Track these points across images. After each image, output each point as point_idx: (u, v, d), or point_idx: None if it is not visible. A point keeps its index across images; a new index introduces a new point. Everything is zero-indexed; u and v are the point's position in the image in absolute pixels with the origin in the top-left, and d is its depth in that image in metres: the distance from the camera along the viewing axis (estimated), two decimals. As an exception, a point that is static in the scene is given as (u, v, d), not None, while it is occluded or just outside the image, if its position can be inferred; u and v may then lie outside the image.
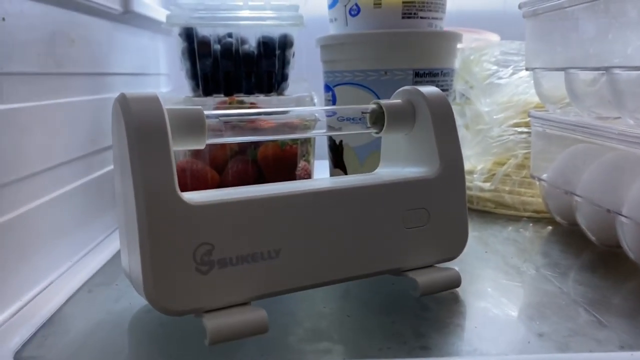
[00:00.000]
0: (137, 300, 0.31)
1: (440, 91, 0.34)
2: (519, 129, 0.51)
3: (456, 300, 0.32)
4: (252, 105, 0.50)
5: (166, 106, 0.27)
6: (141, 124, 0.26)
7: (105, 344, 0.28)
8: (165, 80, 0.67)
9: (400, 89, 0.36)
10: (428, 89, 0.34)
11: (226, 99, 0.51)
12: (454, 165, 0.33)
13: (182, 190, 0.52)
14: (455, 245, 0.34)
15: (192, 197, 0.27)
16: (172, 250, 0.25)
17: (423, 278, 0.31)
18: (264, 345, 0.27)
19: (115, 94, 0.27)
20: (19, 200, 0.32)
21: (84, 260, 0.39)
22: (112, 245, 0.42)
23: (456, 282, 0.33)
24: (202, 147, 0.29)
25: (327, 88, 0.52)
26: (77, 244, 0.40)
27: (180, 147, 0.28)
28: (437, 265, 0.33)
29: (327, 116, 0.35)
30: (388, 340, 0.28)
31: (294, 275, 0.29)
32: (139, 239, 0.25)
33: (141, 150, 0.25)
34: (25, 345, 0.27)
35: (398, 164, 0.36)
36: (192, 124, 0.28)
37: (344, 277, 0.30)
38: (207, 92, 0.52)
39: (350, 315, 0.31)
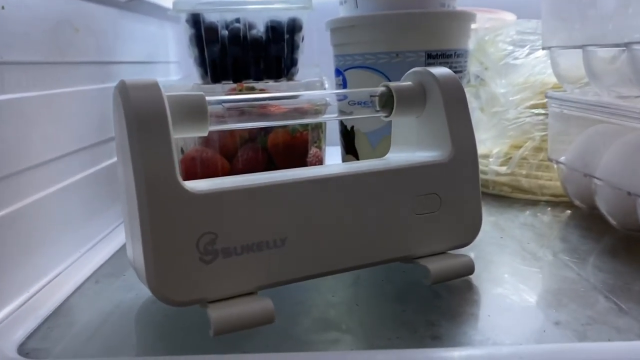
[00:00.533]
0: (145, 291, 0.31)
1: (452, 72, 0.33)
2: (536, 111, 0.49)
3: (469, 288, 0.31)
4: (261, 91, 0.49)
5: (168, 93, 0.26)
6: (140, 112, 0.25)
7: (112, 335, 0.28)
8: (176, 68, 0.67)
9: (411, 70, 0.34)
10: (439, 70, 0.33)
11: (235, 85, 0.50)
12: (467, 149, 0.32)
13: (192, 179, 0.52)
14: (469, 231, 0.32)
15: (195, 185, 0.26)
16: (174, 240, 0.25)
17: (435, 265, 0.30)
18: (270, 336, 0.26)
19: None
20: (24, 192, 0.32)
21: (92, 252, 0.39)
22: (121, 236, 0.42)
23: (469, 269, 0.31)
24: (204, 134, 0.28)
25: (338, 72, 0.51)
26: (85, 235, 0.39)
27: (182, 135, 0.28)
28: (450, 252, 0.32)
29: (338, 100, 0.34)
30: (398, 329, 0.27)
31: (300, 264, 0.28)
32: (141, 229, 0.25)
33: (141, 138, 0.25)
34: (29, 337, 0.27)
35: (409, 149, 0.35)
36: (194, 110, 0.27)
37: (353, 265, 0.29)
38: (216, 79, 0.51)
39: (359, 304, 0.30)
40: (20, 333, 0.27)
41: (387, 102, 0.33)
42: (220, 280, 0.26)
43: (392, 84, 0.33)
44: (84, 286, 0.33)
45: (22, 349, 0.26)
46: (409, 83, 0.34)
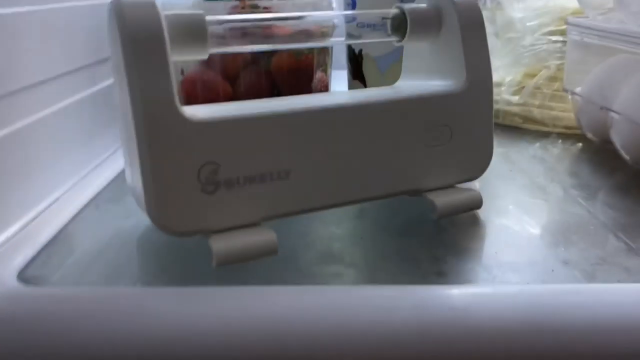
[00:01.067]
0: (146, 219, 0.30)
1: None
2: (554, 38, 0.47)
3: (476, 223, 0.31)
4: (267, 9, 0.47)
5: (166, 12, 0.25)
6: (136, 33, 0.23)
7: (112, 263, 0.27)
8: (175, -16, 0.63)
9: None
10: None
11: (238, 3, 0.47)
12: (482, 79, 0.30)
13: (194, 102, 0.50)
14: (478, 164, 0.31)
15: (196, 112, 0.25)
16: (175, 169, 0.24)
17: (441, 199, 0.29)
18: (272, 268, 0.26)
19: None
20: (18, 113, 0.31)
21: (91, 176, 0.38)
22: (121, 160, 0.40)
23: (477, 203, 0.31)
24: (204, 57, 0.27)
25: (347, -9, 0.48)
26: (83, 159, 0.38)
27: (180, 58, 0.26)
28: (458, 185, 0.31)
29: (347, 22, 0.32)
30: (402, 264, 0.26)
31: (305, 196, 0.27)
32: (139, 157, 0.24)
33: (137, 60, 0.23)
34: (29, 264, 0.27)
35: (421, 76, 0.33)
36: (193, 31, 0.25)
37: (359, 198, 0.29)
38: (218, -4, 0.49)
39: (363, 237, 0.29)
40: (20, 260, 0.27)
41: (400, 25, 0.31)
42: (223, 211, 0.25)
43: (406, 6, 0.31)
44: (83, 212, 0.33)
45: (21, 276, 0.26)
46: (424, 5, 0.32)
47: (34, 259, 0.27)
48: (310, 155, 0.27)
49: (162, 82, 0.23)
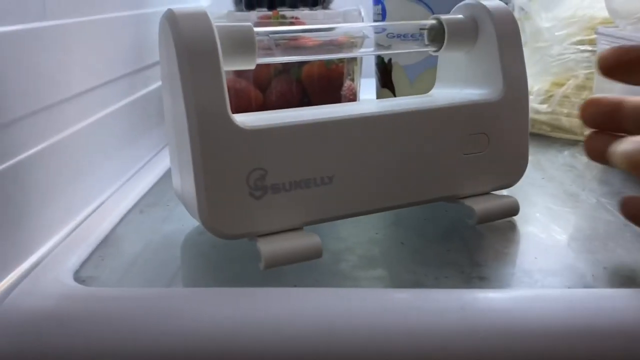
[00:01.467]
0: (190, 222, 0.31)
1: (506, 6, 0.32)
2: (582, 47, 0.48)
3: (513, 229, 0.31)
4: (295, 19, 0.48)
5: (217, 23, 0.26)
6: (191, 43, 0.24)
7: (160, 265, 0.28)
8: (205, -7, 0.65)
9: (461, 3, 0.33)
10: (493, 3, 0.31)
11: (269, 13, 0.48)
12: (519, 88, 0.31)
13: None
14: (514, 172, 0.32)
15: (244, 120, 0.26)
16: (225, 175, 0.25)
17: (480, 206, 0.30)
18: (316, 271, 0.27)
19: (155, 8, 0.26)
20: (67, 121, 0.32)
21: (134, 180, 0.39)
22: (161, 164, 0.42)
23: (514, 210, 0.31)
24: (252, 67, 0.28)
25: (376, 1, 0.49)
26: (125, 163, 0.40)
27: (230, 67, 0.27)
28: (493, 192, 0.32)
29: (376, 33, 0.33)
30: (444, 269, 0.27)
31: (347, 202, 0.28)
32: (192, 163, 0.25)
33: (192, 70, 0.24)
34: (83, 265, 0.28)
35: (456, 85, 0.34)
36: (243, 42, 0.26)
37: (398, 203, 0.29)
38: (250, 6, 0.50)
39: (404, 242, 0.30)
40: (74, 261, 0.28)
41: (437, 36, 0.32)
42: (269, 215, 0.26)
43: (443, 17, 0.32)
44: (128, 216, 0.34)
45: (77, 277, 0.27)
46: (460, 16, 0.32)
47: (87, 261, 0.28)
48: (352, 162, 0.28)
49: (215, 91, 0.24)
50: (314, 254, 0.26)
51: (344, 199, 0.28)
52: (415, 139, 0.29)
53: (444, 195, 0.31)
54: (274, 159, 0.26)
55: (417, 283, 0.26)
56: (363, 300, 0.24)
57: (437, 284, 0.26)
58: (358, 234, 0.31)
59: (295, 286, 0.25)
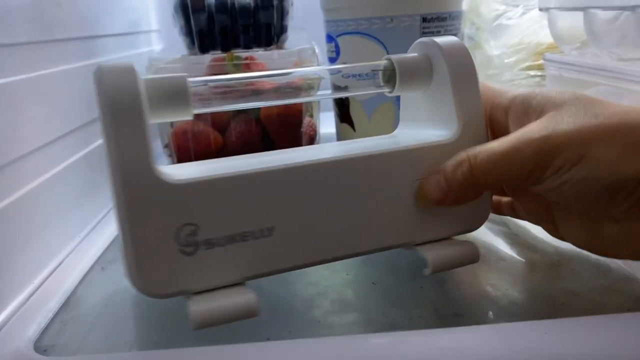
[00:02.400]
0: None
1: (461, 42, 0.31)
2: (532, 72, 0.49)
3: (483, 260, 0.31)
4: (250, 59, 0.48)
5: (146, 76, 0.25)
6: (113, 98, 0.23)
7: (123, 326, 0.27)
8: (157, 37, 0.64)
9: (417, 41, 0.32)
10: (446, 40, 0.30)
11: (223, 55, 0.48)
12: (475, 127, 0.29)
13: (185, 153, 0.50)
14: (476, 215, 0.29)
15: (175, 172, 0.25)
16: (152, 232, 0.24)
17: (434, 254, 0.28)
18: (290, 320, 0.26)
19: (109, 58, 0.25)
20: (21, 180, 0.31)
21: (93, 235, 0.38)
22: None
23: (473, 257, 0.28)
24: (189, 117, 0.26)
25: (330, 38, 0.49)
26: (84, 217, 0.38)
27: (165, 119, 0.26)
28: (455, 237, 0.29)
29: (331, 74, 0.33)
30: (418, 308, 0.27)
31: (290, 254, 0.26)
32: (118, 220, 0.24)
33: (114, 125, 0.23)
34: (43, 332, 0.27)
35: (417, 125, 0.33)
36: (175, 94, 0.25)
37: (348, 253, 0.27)
38: (204, 49, 0.50)
39: (375, 282, 0.30)
40: (34, 328, 0.26)
41: (390, 76, 0.32)
42: (203, 272, 0.25)
43: (395, 57, 0.31)
44: (90, 274, 0.32)
45: (38, 346, 0.25)
46: (414, 55, 0.32)
47: (48, 327, 0.27)
48: (293, 212, 0.26)
49: (138, 146, 0.23)
50: (248, 313, 0.24)
51: (287, 251, 0.26)
52: (361, 186, 0.27)
53: (397, 244, 0.28)
54: (205, 213, 0.24)
55: (392, 325, 0.26)
56: (339, 350, 0.24)
57: (412, 324, 0.26)
58: (329, 276, 0.30)
59: (268, 339, 0.25)
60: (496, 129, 0.29)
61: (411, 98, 0.33)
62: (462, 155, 0.26)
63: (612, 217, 0.24)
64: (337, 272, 0.31)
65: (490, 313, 0.26)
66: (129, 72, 0.24)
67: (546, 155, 0.23)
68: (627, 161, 0.22)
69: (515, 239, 0.34)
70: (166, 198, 0.24)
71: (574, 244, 0.27)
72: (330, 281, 0.30)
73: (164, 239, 0.24)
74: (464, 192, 0.26)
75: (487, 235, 0.33)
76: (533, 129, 0.24)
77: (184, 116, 0.26)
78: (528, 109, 0.26)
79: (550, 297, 0.27)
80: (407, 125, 0.34)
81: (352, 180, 0.27)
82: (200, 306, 0.24)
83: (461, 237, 0.29)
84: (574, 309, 0.26)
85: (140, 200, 0.23)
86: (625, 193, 0.23)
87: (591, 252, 0.26)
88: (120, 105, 0.23)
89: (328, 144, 0.48)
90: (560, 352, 0.22)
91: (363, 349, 0.24)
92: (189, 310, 0.24)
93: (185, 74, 0.26)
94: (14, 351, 0.25)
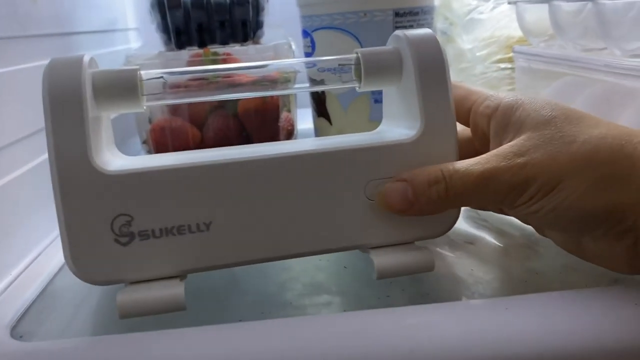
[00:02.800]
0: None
1: (432, 35, 0.29)
2: (503, 65, 0.50)
3: (451, 244, 0.32)
4: (227, 55, 0.48)
5: (98, 69, 0.26)
6: (54, 90, 0.24)
7: (103, 312, 0.28)
8: (135, 35, 0.65)
9: (392, 34, 0.30)
10: (416, 32, 0.29)
11: (200, 51, 0.49)
12: (441, 126, 0.27)
13: (163, 149, 0.50)
14: (442, 220, 0.27)
15: (114, 164, 0.25)
16: (87, 221, 0.24)
17: (383, 259, 0.27)
18: (264, 302, 0.27)
19: (83, 53, 0.26)
20: (-3, 173, 0.31)
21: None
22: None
23: (427, 265, 0.27)
24: (140, 109, 0.27)
25: (305, 33, 0.50)
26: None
27: (116, 111, 0.27)
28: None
29: (307, 67, 0.33)
30: (387, 288, 0.28)
31: (228, 251, 0.26)
32: (56, 208, 0.24)
33: (54, 116, 0.24)
34: (19, 320, 0.27)
35: (393, 122, 0.31)
36: (123, 86, 0.26)
37: (290, 253, 0.27)
38: (180, 46, 0.50)
39: (347, 266, 0.31)
40: (10, 317, 0.27)
41: (358, 70, 0.31)
42: (138, 263, 0.25)
43: (362, 51, 0.29)
44: (66, 267, 0.33)
45: (14, 333, 0.26)
46: (383, 48, 0.30)
47: (24, 315, 0.27)
48: (233, 208, 0.26)
49: (76, 137, 0.24)
50: (174, 307, 0.25)
51: (224, 248, 0.26)
52: (306, 184, 0.26)
53: (347, 246, 0.27)
54: (141, 205, 0.25)
55: (361, 305, 0.26)
56: (306, 328, 0.24)
57: (379, 303, 0.26)
58: (302, 262, 0.31)
59: (240, 321, 0.25)
60: (479, 135, 0.28)
61: (389, 93, 0.32)
62: (437, 172, 0.25)
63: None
64: (311, 258, 0.31)
65: (456, 291, 0.27)
66: (74, 64, 0.25)
67: (520, 184, 0.24)
68: (596, 194, 0.23)
69: (483, 224, 0.35)
70: (102, 188, 0.24)
71: (557, 244, 0.27)
72: (302, 266, 0.31)
73: (100, 228, 0.24)
74: (432, 208, 0.26)
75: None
76: (509, 153, 0.24)
77: (136, 108, 0.27)
78: (508, 124, 0.26)
79: (514, 276, 0.28)
80: (386, 122, 0.33)
81: (296, 179, 0.26)
82: (127, 296, 0.24)
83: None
84: (535, 286, 0.27)
85: (76, 188, 0.24)
86: (595, 224, 0.23)
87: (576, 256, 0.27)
88: (59, 96, 0.24)
89: (292, 141, 0.48)
90: (520, 325, 0.23)
91: (330, 327, 0.24)
92: (117, 299, 0.24)
93: (137, 67, 0.27)
94: (-10, 337, 0.25)
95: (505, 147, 0.25)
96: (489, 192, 0.24)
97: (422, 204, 0.25)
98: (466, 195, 0.25)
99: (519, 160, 0.24)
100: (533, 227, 0.29)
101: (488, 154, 0.25)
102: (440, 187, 0.25)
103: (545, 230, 0.28)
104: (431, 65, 0.28)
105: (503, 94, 0.28)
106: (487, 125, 0.27)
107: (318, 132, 0.53)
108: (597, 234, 0.24)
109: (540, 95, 0.44)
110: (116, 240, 0.25)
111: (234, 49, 0.49)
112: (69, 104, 0.24)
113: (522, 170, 0.24)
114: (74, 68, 0.25)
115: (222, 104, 0.49)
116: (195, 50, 0.49)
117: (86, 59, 0.25)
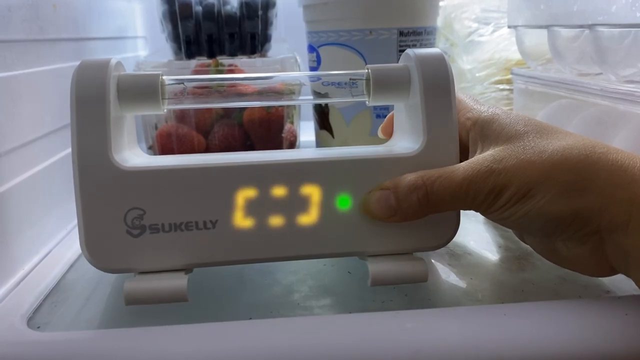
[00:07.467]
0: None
1: (440, 54, 0.30)
2: (501, 86, 0.52)
3: (451, 254, 0.34)
4: (232, 66, 0.50)
5: (124, 72, 0.28)
6: (81, 90, 0.26)
7: (114, 306, 0.29)
8: (143, 43, 0.66)
9: (404, 52, 0.32)
10: (425, 52, 0.30)
11: (208, 61, 0.50)
12: (443, 141, 0.28)
13: (169, 155, 0.51)
14: (441, 233, 0.29)
15: (134, 161, 0.27)
16: (103, 212, 0.26)
17: (378, 267, 0.28)
18: (271, 304, 0.28)
19: (97, 57, 0.28)
20: (13, 171, 0.32)
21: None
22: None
23: (420, 276, 0.28)
24: (161, 112, 0.29)
25: (311, 49, 0.52)
26: (72, 210, 0.39)
27: (137, 112, 0.29)
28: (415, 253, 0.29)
29: (312, 81, 0.34)
30: (389, 293, 0.29)
31: (233, 248, 0.27)
32: (75, 199, 0.26)
33: (78, 114, 0.26)
34: (35, 312, 0.28)
35: (402, 136, 0.32)
36: (145, 89, 0.28)
37: (290, 255, 0.28)
38: (190, 55, 0.52)
39: (351, 272, 0.32)
40: (27, 307, 0.28)
41: (368, 85, 0.32)
42: (147, 254, 0.27)
43: (373, 67, 0.31)
44: (78, 262, 0.34)
45: (31, 324, 0.27)
46: (393, 65, 0.31)
47: (39, 307, 0.28)
48: (237, 208, 0.27)
49: (97, 134, 0.26)
50: (178, 298, 0.26)
51: (229, 245, 0.27)
52: (310, 190, 0.28)
53: (346, 252, 0.28)
54: (153, 200, 0.27)
55: (364, 308, 0.28)
56: (314, 327, 0.25)
57: (383, 307, 0.28)
58: (308, 266, 0.32)
59: (250, 319, 0.26)
60: (459, 144, 0.29)
61: (399, 108, 0.33)
62: (418, 179, 0.26)
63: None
64: (315, 262, 0.33)
65: (456, 297, 0.29)
66: (102, 67, 0.27)
67: (496, 190, 0.25)
68: (562, 199, 0.24)
69: (483, 237, 0.37)
70: (118, 182, 0.26)
71: (536, 251, 0.29)
72: (308, 270, 0.32)
73: (114, 220, 0.26)
74: (414, 214, 0.27)
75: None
76: (486, 162, 0.26)
77: (156, 110, 0.29)
78: (485, 136, 0.28)
79: (511, 285, 0.30)
80: (396, 136, 0.34)
81: (301, 185, 0.28)
82: (134, 284, 0.26)
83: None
84: (531, 295, 0.28)
85: (93, 181, 0.26)
86: (562, 228, 0.25)
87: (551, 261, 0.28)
88: (85, 95, 0.26)
89: (298, 149, 0.50)
90: (517, 330, 0.25)
91: (336, 326, 0.25)
92: (123, 287, 0.26)
93: (160, 72, 0.28)
94: (7, 327, 0.26)
95: (484, 156, 0.27)
96: (467, 198, 0.26)
97: (405, 210, 0.27)
98: (446, 201, 0.26)
99: (495, 167, 0.26)
100: (514, 233, 0.31)
101: (467, 162, 0.27)
102: (421, 193, 0.26)
103: (524, 236, 0.29)
104: (436, 83, 0.29)
105: (484, 108, 0.30)
106: (466, 136, 0.29)
107: (320, 144, 0.55)
108: (565, 237, 0.26)
109: (538, 116, 0.46)
110: (128, 232, 0.26)
111: (242, 60, 0.51)
112: (93, 102, 0.26)
113: (498, 177, 0.25)
114: (100, 70, 0.27)
115: (228, 113, 0.50)
116: (204, 60, 0.51)
117: (113, 62, 0.27)
